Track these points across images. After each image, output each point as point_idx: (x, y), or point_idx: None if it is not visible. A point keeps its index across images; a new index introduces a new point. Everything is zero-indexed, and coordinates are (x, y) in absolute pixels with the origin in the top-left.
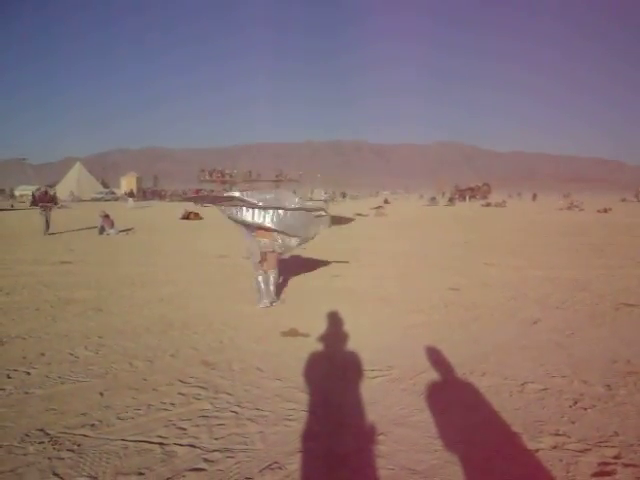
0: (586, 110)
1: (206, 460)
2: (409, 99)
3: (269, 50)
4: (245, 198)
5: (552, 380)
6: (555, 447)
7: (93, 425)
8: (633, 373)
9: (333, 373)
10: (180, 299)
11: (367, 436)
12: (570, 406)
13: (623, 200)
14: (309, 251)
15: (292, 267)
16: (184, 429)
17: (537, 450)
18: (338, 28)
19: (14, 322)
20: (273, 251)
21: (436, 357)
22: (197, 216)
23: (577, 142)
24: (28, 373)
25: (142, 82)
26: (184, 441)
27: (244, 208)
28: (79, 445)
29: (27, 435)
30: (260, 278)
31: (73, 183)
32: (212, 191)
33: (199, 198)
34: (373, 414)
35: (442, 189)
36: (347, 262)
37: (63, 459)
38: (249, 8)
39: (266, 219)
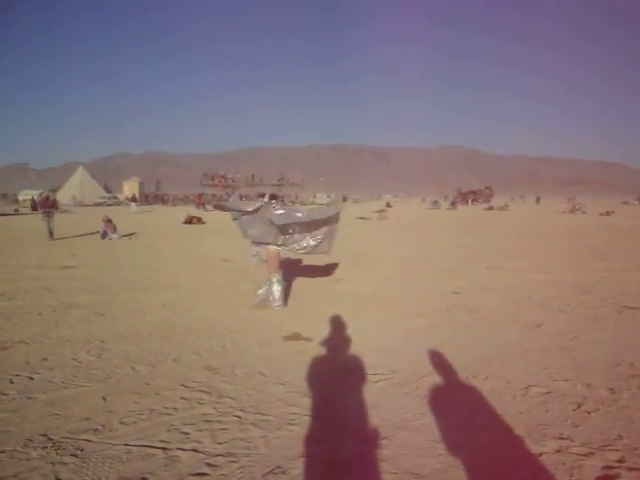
0: (588, 113)
1: (209, 465)
2: (411, 103)
3: (272, 54)
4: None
5: (555, 384)
6: (559, 451)
7: (96, 430)
8: (636, 376)
9: (336, 377)
10: (183, 303)
11: (370, 440)
12: (574, 410)
13: (625, 203)
14: (311, 255)
15: (294, 271)
16: (187, 434)
17: (541, 454)
18: (340, 32)
19: (17, 327)
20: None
21: (439, 361)
22: (200, 220)
23: (579, 145)
24: (31, 378)
25: (145, 87)
26: (187, 446)
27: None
28: (82, 450)
29: (30, 440)
30: (275, 278)
31: (76, 188)
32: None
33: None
34: (376, 418)
35: (444, 192)
36: (346, 262)
37: (66, 464)
38: (252, 12)
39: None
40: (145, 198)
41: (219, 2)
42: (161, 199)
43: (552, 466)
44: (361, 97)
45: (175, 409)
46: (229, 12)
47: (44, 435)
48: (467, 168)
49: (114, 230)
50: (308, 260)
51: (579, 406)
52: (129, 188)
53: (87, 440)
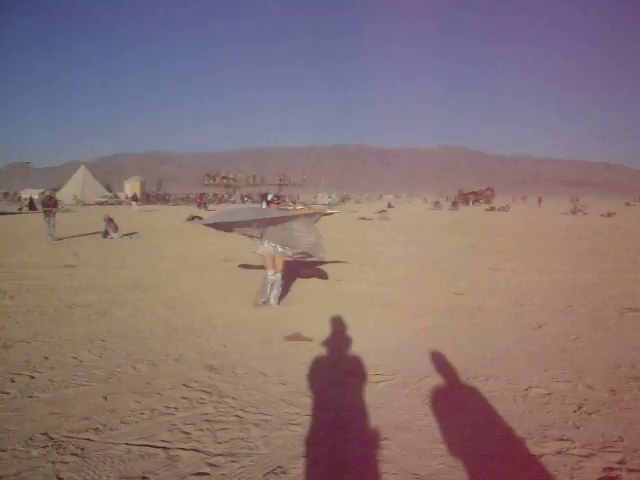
0: (590, 115)
1: (210, 464)
2: (412, 103)
3: (273, 55)
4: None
5: (556, 385)
6: (559, 452)
7: (97, 429)
8: (637, 378)
9: (337, 377)
10: (184, 303)
11: (371, 441)
12: (574, 411)
13: (627, 204)
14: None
15: (296, 271)
16: (188, 433)
17: (541, 455)
18: (342, 33)
19: (18, 326)
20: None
21: (440, 362)
22: (201, 220)
23: (581, 146)
24: (32, 377)
25: (146, 86)
26: (188, 445)
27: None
28: (83, 449)
29: (31, 439)
30: (272, 277)
31: (77, 187)
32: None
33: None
34: (377, 419)
35: (445, 193)
36: (347, 262)
37: (67, 463)
38: (254, 13)
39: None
40: (146, 197)
41: (222, 3)
42: (162, 198)
43: (553, 467)
44: (363, 98)
45: (176, 409)
46: (232, 13)
47: (45, 434)
48: (469, 169)
49: (115, 229)
50: (309, 260)
51: (580, 407)
52: (130, 187)
53: (88, 439)
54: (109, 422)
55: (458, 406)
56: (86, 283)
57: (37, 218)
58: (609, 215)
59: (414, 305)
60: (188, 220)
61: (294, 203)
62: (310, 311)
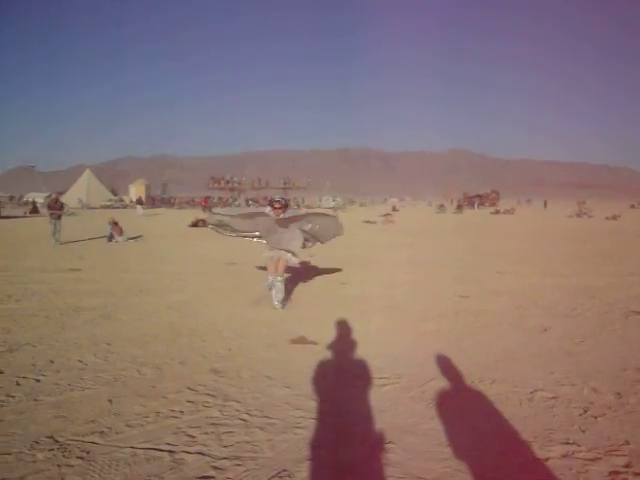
0: (594, 117)
1: (215, 468)
2: (417, 107)
3: (277, 57)
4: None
5: (562, 388)
6: (565, 456)
7: (102, 432)
8: None
9: (342, 381)
10: (189, 306)
11: (376, 444)
12: (580, 414)
13: (632, 207)
14: (317, 259)
15: (301, 274)
16: (193, 437)
17: (547, 459)
18: (346, 35)
19: (24, 329)
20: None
21: (445, 365)
22: (205, 223)
23: (585, 149)
24: (37, 380)
25: (151, 89)
26: (193, 449)
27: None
28: (88, 452)
29: (36, 442)
30: (271, 279)
31: (82, 190)
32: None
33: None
34: (382, 422)
35: (450, 196)
36: (352, 266)
37: (72, 466)
38: (257, 14)
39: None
40: (152, 201)
41: (225, 5)
42: (167, 202)
43: (558, 471)
44: (367, 101)
45: (181, 412)
46: (235, 14)
47: (50, 437)
48: (473, 172)
49: (120, 233)
50: (313, 263)
51: (585, 411)
52: (135, 191)
53: (93, 442)
54: (114, 425)
55: (463, 409)
56: (91, 287)
57: (41, 222)
58: (614, 218)
59: (419, 308)
60: (191, 226)
61: (298, 207)
62: (315, 314)
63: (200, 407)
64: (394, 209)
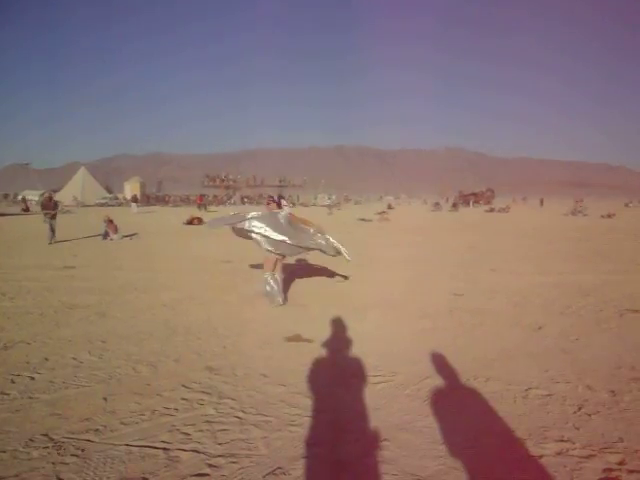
0: (592, 116)
1: (210, 465)
2: (413, 104)
3: (273, 54)
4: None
5: (556, 386)
6: (559, 453)
7: (97, 430)
8: (638, 379)
9: (337, 379)
10: (183, 304)
11: (371, 442)
12: (574, 412)
13: (626, 205)
14: (313, 256)
15: (296, 272)
16: (188, 434)
17: (541, 456)
18: (342, 31)
19: (18, 327)
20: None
21: (440, 363)
22: (200, 221)
23: (582, 148)
24: (32, 378)
25: (146, 87)
26: (188, 446)
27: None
28: (83, 450)
29: (31, 440)
30: (269, 279)
31: (77, 188)
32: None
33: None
34: (377, 420)
35: (446, 195)
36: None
37: (67, 464)
38: (252, 11)
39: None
40: (146, 199)
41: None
42: (162, 200)
43: (552, 468)
44: (363, 98)
45: (176, 410)
46: (230, 11)
47: (45, 435)
48: (470, 170)
49: (115, 231)
50: (309, 261)
51: (580, 408)
52: (130, 189)
53: (88, 440)
54: (109, 423)
55: (458, 407)
56: (86, 284)
57: (34, 220)
58: (609, 216)
59: (414, 306)
60: (187, 222)
61: (293, 205)
62: (310, 312)
63: (195, 405)
64: (389, 207)
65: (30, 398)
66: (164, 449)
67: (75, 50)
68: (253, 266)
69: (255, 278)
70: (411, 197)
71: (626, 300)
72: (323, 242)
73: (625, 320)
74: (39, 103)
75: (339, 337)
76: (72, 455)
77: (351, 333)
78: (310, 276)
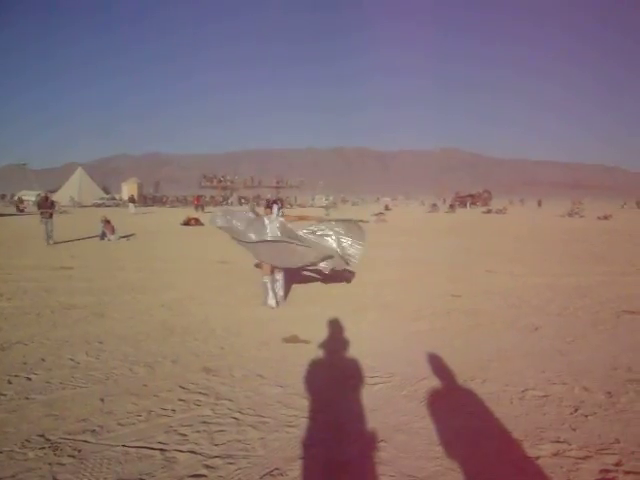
0: (588, 117)
1: (207, 466)
2: (411, 106)
3: (271, 56)
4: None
5: (553, 387)
6: (556, 454)
7: (94, 431)
8: (634, 380)
9: (334, 380)
10: (181, 305)
11: (368, 443)
12: (571, 413)
13: (623, 206)
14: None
15: (293, 274)
16: (185, 435)
17: (538, 457)
18: (340, 35)
19: (15, 327)
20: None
21: (437, 364)
22: (198, 222)
23: (579, 149)
24: (29, 379)
25: (144, 88)
26: (185, 447)
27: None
28: (80, 451)
29: (28, 441)
30: (267, 279)
31: (74, 189)
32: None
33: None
34: (374, 421)
35: (443, 196)
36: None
37: (64, 465)
38: (252, 14)
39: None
40: (144, 199)
41: (220, 4)
42: (160, 200)
43: (549, 469)
44: (361, 100)
45: (173, 411)
46: (230, 14)
47: (42, 436)
48: (466, 172)
49: (112, 231)
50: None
51: (576, 410)
52: (128, 189)
53: (85, 441)
54: (106, 424)
55: (455, 408)
56: (83, 285)
57: (29, 220)
58: (605, 218)
59: (411, 307)
60: (184, 223)
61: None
62: (307, 313)
63: (192, 406)
64: (387, 208)
65: (27, 399)
66: (161, 450)
67: (74, 52)
68: (250, 267)
69: (252, 279)
70: (408, 198)
71: (622, 301)
72: (324, 248)
73: (621, 321)
74: (37, 104)
75: (336, 338)
76: (69, 456)
77: (348, 334)
78: (307, 277)
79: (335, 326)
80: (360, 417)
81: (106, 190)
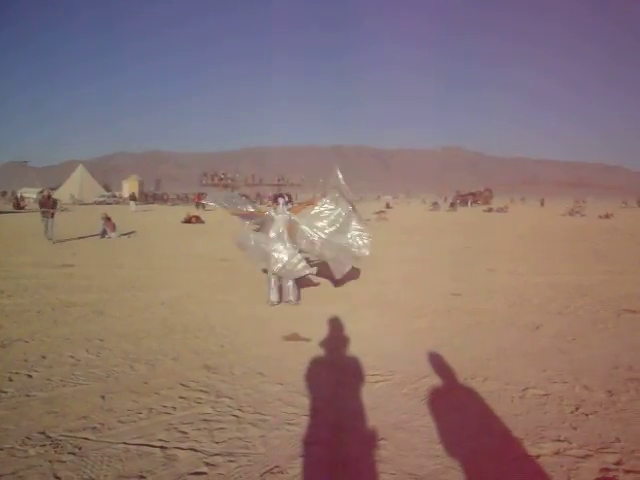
0: (589, 116)
1: (207, 464)
2: (412, 104)
3: (271, 54)
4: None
5: (553, 386)
6: (556, 453)
7: (94, 428)
8: (635, 379)
9: (334, 378)
10: (181, 303)
11: (368, 441)
12: (571, 412)
13: (624, 205)
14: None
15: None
16: (185, 433)
17: (538, 456)
18: (340, 31)
19: (16, 325)
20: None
21: (438, 362)
22: (198, 219)
23: (580, 148)
24: (30, 376)
25: (145, 85)
26: (185, 445)
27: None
28: (80, 448)
29: (28, 438)
30: (272, 279)
31: (75, 186)
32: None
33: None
34: (374, 419)
35: (444, 194)
36: None
37: (64, 462)
38: (251, 11)
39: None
40: (144, 197)
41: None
42: (160, 198)
43: (549, 468)
44: (362, 98)
45: (174, 408)
46: (229, 10)
47: (42, 433)
48: (468, 170)
49: (113, 229)
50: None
51: (577, 408)
52: (129, 187)
53: (85, 438)
54: (107, 421)
55: (456, 406)
56: (84, 282)
57: (29, 217)
58: (607, 217)
59: (412, 306)
60: (185, 221)
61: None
62: (307, 311)
63: (192, 403)
64: (388, 206)
65: (27, 396)
66: (161, 447)
67: (74, 49)
68: (251, 265)
69: (253, 277)
70: (409, 197)
71: (623, 300)
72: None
73: (622, 320)
74: (38, 101)
75: (337, 336)
76: (69, 453)
77: (348, 332)
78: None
79: (335, 324)
80: (360, 415)
81: (107, 188)
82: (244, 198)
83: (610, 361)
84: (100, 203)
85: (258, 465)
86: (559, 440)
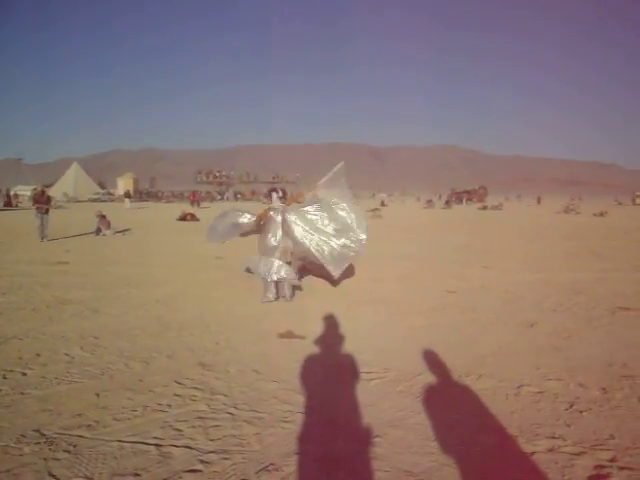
0: (584, 114)
1: (202, 461)
2: (408, 101)
3: (267, 51)
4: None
5: (548, 383)
6: (551, 450)
7: (89, 426)
8: (629, 376)
9: (329, 375)
10: (176, 300)
11: (363, 438)
12: (566, 409)
13: (619, 203)
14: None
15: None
16: (180, 430)
17: (533, 453)
18: (336, 28)
19: (10, 322)
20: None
21: (433, 360)
22: (193, 217)
23: (575, 146)
24: (24, 374)
25: (140, 82)
26: (180, 442)
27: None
28: (75, 446)
29: (23, 436)
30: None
31: (70, 183)
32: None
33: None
34: (369, 416)
35: (439, 192)
36: None
37: (59, 460)
38: (246, 7)
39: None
40: (139, 195)
41: None
42: (155, 196)
43: (544, 465)
44: (357, 96)
45: (168, 406)
46: (224, 7)
47: (37, 431)
48: (463, 167)
49: (108, 226)
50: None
51: (571, 405)
52: (124, 184)
53: (80, 436)
54: (101, 419)
55: (450, 404)
56: (79, 280)
57: (22, 214)
58: (601, 214)
59: (407, 303)
60: (180, 218)
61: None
62: (303, 309)
63: (187, 401)
64: (382, 204)
65: (22, 394)
66: (156, 445)
67: (70, 46)
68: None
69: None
70: (404, 194)
71: (618, 298)
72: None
73: (617, 318)
74: (33, 98)
75: (332, 334)
76: (64, 451)
77: (344, 330)
78: (302, 273)
79: (331, 322)
80: (355, 413)
81: (102, 185)
82: (239, 213)
83: (605, 358)
84: (95, 201)
85: (253, 463)
86: (553, 437)
